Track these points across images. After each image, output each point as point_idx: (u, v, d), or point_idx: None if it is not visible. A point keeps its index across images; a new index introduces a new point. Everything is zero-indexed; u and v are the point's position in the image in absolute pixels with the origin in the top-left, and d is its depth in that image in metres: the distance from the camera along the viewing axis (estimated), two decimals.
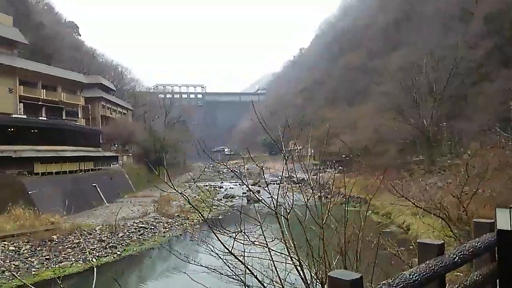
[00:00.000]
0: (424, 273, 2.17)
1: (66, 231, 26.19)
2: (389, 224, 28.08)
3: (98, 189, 39.29)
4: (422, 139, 35.91)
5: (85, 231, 26.53)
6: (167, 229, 28.34)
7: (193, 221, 31.47)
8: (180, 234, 27.15)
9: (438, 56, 36.60)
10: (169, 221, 30.89)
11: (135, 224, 28.76)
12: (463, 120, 32.34)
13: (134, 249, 23.10)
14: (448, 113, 37.94)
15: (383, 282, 2.00)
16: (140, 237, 25.68)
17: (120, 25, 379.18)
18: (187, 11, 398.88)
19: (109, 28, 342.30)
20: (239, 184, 61.34)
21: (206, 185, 62.21)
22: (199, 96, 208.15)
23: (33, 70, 42.30)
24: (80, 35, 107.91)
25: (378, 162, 42.87)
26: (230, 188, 57.76)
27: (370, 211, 29.30)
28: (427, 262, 2.29)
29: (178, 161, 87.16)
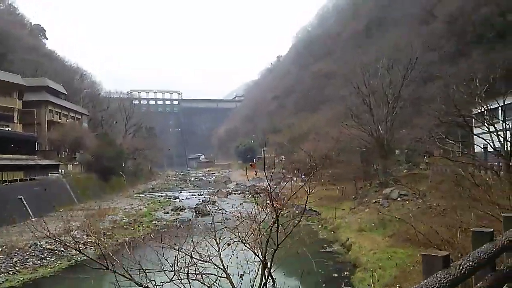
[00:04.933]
0: None
1: None
2: (333, 242, 25.61)
3: (25, 202, 35.27)
4: (377, 148, 33.22)
5: None
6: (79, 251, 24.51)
7: (117, 240, 27.83)
8: (91, 258, 23.34)
9: (393, 60, 34.03)
10: (88, 240, 27.04)
11: (46, 245, 24.90)
12: (417, 127, 29.70)
13: (21, 278, 19.33)
14: (406, 120, 35.41)
15: None
16: (39, 262, 21.84)
17: (90, 23, 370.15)
18: (164, 11, 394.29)
19: (80, 29, 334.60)
20: (198, 194, 58.22)
21: (162, 195, 58.67)
22: (175, 102, 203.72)
23: None
24: (46, 38, 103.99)
25: (339, 171, 40.12)
26: (186, 198, 54.08)
27: (319, 225, 25.30)
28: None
29: (142, 168, 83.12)
